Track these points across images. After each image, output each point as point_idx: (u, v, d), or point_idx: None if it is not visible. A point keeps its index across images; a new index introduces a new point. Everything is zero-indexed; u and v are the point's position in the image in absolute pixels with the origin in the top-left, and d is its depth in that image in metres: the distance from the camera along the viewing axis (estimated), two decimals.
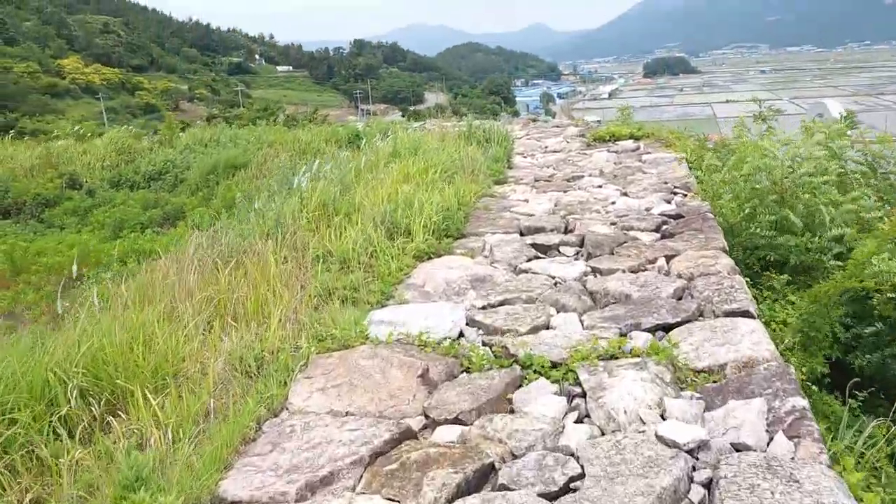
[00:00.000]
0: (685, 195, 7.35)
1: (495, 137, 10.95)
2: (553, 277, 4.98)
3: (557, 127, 14.03)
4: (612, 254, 5.40)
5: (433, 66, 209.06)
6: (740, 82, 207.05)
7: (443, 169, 8.37)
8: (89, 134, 17.45)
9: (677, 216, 6.25)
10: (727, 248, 5.22)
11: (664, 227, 6.05)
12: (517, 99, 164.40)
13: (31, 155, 16.06)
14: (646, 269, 5.01)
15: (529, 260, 5.49)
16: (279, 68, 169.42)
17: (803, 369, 4.77)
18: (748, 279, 5.78)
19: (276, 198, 6.75)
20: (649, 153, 9.80)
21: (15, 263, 11.98)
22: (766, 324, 4.48)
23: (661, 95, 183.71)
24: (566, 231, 6.24)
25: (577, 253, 5.68)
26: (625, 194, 7.45)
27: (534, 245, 5.81)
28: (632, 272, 4.93)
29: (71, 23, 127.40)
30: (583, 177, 8.56)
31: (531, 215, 6.79)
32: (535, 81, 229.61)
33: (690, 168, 8.61)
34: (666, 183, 7.74)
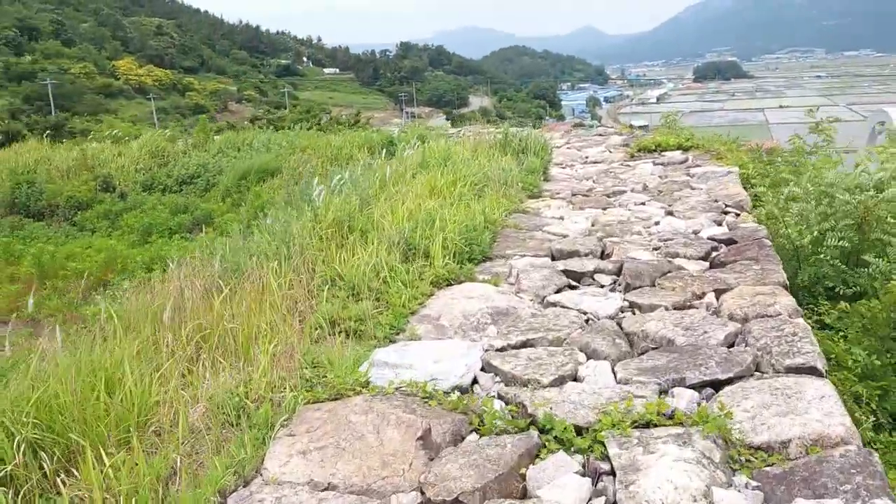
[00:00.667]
0: (737, 215, 6.68)
1: (532, 147, 10.36)
2: (585, 313, 4.40)
3: (600, 135, 13.37)
4: (654, 286, 4.78)
5: (479, 69, 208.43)
6: (794, 87, 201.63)
7: (472, 182, 7.84)
8: (126, 137, 17.42)
9: (729, 241, 5.59)
10: (787, 284, 4.56)
11: (714, 254, 5.40)
12: (563, 103, 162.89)
13: (67, 157, 16.05)
14: (692, 307, 4.38)
15: (559, 290, 4.91)
16: (326, 70, 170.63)
17: (865, 420, 4.12)
18: (811, 313, 5.13)
19: (281, 214, 6.28)
20: (698, 166, 9.11)
21: (43, 268, 11.84)
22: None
23: (711, 100, 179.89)
24: (602, 256, 5.63)
25: (614, 282, 5.07)
26: (670, 213, 6.80)
27: (565, 272, 5.23)
28: (676, 309, 4.32)
29: (126, 24, 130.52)
30: (624, 192, 7.93)
31: (565, 236, 6.20)
32: (582, 85, 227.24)
33: (745, 184, 7.90)
34: (716, 201, 7.06)
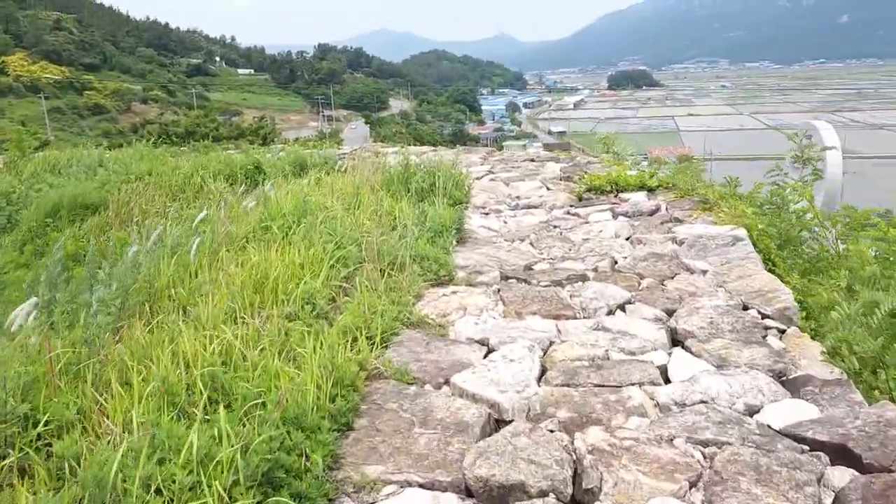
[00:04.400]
0: (783, 332, 3.80)
1: (443, 183, 7.29)
2: None
3: (532, 161, 10.39)
4: None
5: (398, 72, 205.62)
6: (702, 96, 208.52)
7: (338, 259, 4.68)
8: None
9: (840, 450, 2.62)
10: None
11: None
12: (483, 108, 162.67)
13: None
14: None
15: None
16: (240, 71, 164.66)
17: None
18: None
19: None
20: (680, 221, 6.23)
21: None
22: None
23: (625, 108, 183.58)
24: (577, 495, 2.56)
25: None
26: (677, 340, 3.81)
27: None
28: None
29: (20, 18, 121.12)
30: (586, 276, 4.91)
31: (492, 407, 3.11)
32: (502, 90, 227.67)
33: (767, 266, 5.04)
34: (746, 308, 4.13)
